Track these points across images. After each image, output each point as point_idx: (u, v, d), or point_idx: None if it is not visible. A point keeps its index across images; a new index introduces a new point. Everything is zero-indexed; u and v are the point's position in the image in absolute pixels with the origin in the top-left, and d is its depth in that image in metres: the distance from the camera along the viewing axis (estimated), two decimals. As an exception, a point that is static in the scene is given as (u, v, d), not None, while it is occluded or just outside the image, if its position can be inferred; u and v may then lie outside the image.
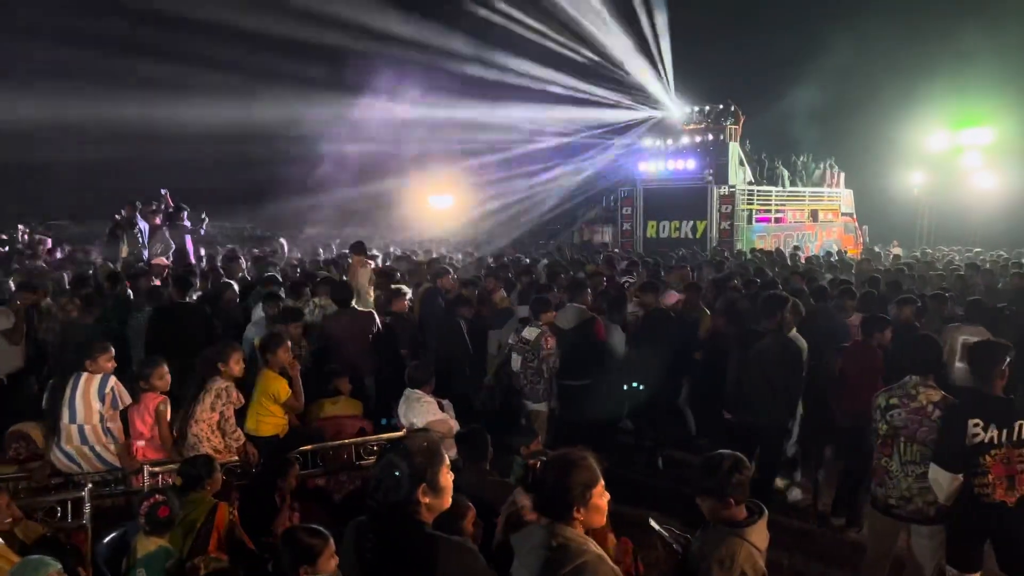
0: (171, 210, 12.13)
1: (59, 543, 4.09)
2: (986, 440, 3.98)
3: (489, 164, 25.92)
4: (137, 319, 7.63)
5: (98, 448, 5.12)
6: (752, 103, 23.22)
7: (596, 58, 23.47)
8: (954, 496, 4.05)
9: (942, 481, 4.05)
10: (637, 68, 23.48)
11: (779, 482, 6.69)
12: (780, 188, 22.72)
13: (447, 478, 2.65)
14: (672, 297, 8.07)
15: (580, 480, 2.66)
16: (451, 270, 9.66)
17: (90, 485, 4.69)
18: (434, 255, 13.79)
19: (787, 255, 15.54)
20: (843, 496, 6.23)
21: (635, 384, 7.37)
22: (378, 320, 7.61)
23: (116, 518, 4.56)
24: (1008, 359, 4.12)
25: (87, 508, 4.47)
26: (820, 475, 6.64)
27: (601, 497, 2.72)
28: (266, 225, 26.18)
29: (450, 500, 2.71)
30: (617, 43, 23.42)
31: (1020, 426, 3.97)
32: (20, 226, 16.65)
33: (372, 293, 9.15)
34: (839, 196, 24.46)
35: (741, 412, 6.23)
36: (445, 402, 6.08)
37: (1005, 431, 3.97)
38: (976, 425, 3.99)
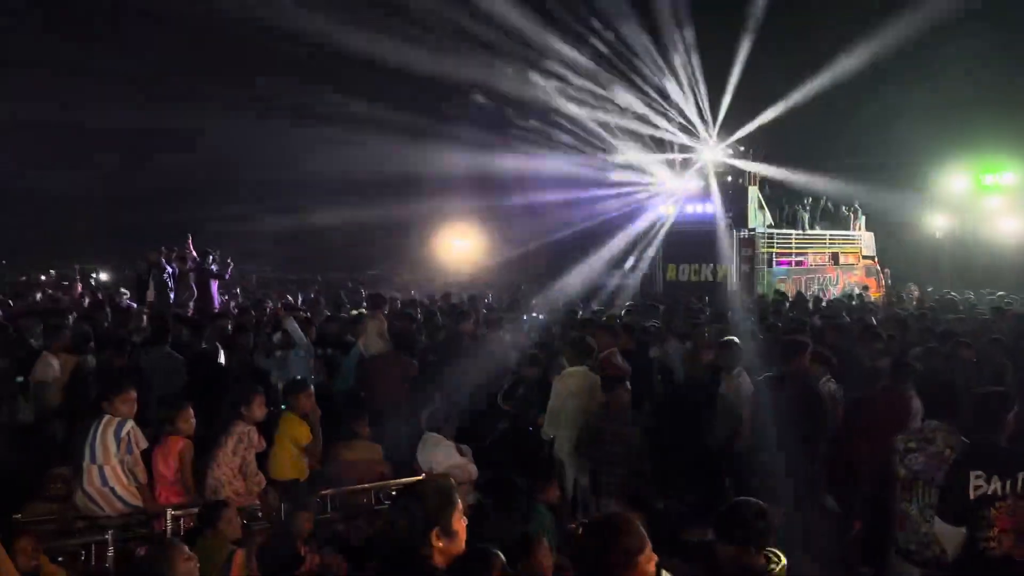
0: (195, 255, 12.38)
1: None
2: (989, 492, 3.85)
3: (509, 206, 26.12)
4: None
5: (118, 489, 5.17)
6: (771, 145, 23.35)
7: (619, 102, 23.61)
8: (959, 549, 3.99)
9: (947, 534, 3.97)
10: (659, 113, 23.64)
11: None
12: (800, 231, 22.70)
13: (460, 523, 2.68)
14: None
15: (625, 546, 2.56)
16: (472, 315, 9.74)
17: (112, 530, 4.76)
18: (454, 300, 13.89)
19: (808, 298, 15.45)
20: (872, 544, 6.12)
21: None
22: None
23: (137, 564, 4.60)
24: (1015, 409, 4.07)
25: (111, 552, 4.54)
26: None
27: (649, 562, 2.62)
28: (288, 267, 26.55)
29: (463, 545, 2.73)
30: (637, 89, 23.64)
31: None
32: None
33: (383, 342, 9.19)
34: (860, 238, 24.35)
35: (763, 456, 6.18)
36: (464, 447, 6.11)
37: (1009, 482, 3.84)
38: (979, 477, 3.87)
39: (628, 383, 6.51)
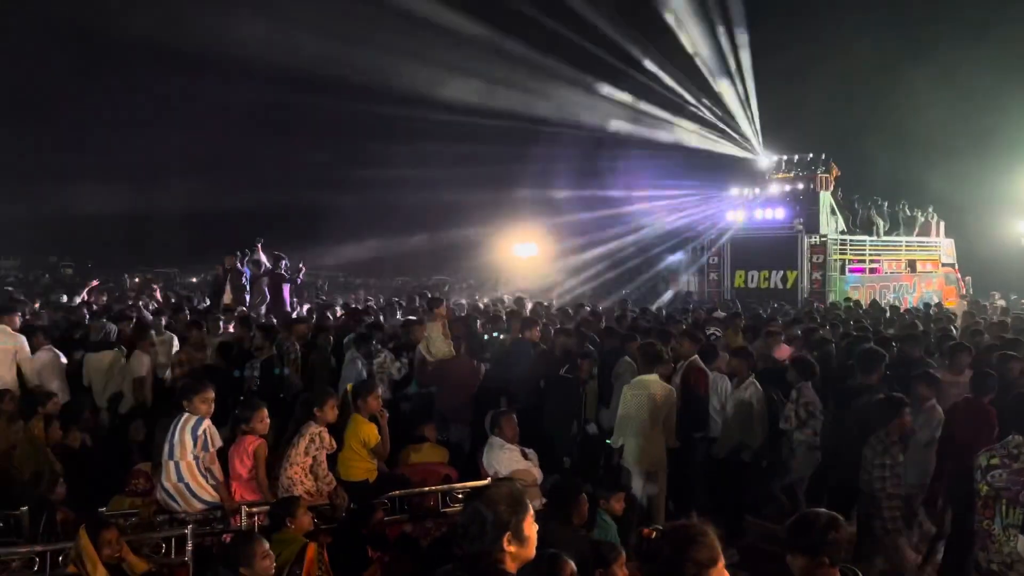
0: (266, 260, 12.71)
1: (162, 579, 4.31)
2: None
3: (573, 212, 26.05)
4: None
5: (193, 486, 5.31)
6: (845, 150, 22.75)
7: (683, 106, 23.37)
8: None
9: None
10: (723, 116, 23.31)
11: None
12: (875, 237, 22.03)
13: (532, 528, 2.68)
14: (784, 350, 8.04)
15: (699, 558, 2.51)
16: (539, 321, 9.74)
17: (191, 525, 4.92)
18: (521, 305, 13.91)
19: (884, 306, 14.97)
20: (952, 562, 5.89)
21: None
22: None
23: (217, 556, 4.75)
24: None
25: (189, 546, 4.69)
26: (915, 538, 6.32)
27: None
28: (351, 269, 27.04)
29: (534, 550, 2.73)
30: (703, 92, 23.37)
31: None
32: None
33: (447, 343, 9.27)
34: (939, 245, 23.49)
35: (837, 472, 6.02)
36: (529, 451, 6.12)
37: None
38: None
39: None
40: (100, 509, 5.33)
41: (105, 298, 15.08)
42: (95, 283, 15.26)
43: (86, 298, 14.15)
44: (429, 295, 13.28)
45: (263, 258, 12.82)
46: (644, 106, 23.86)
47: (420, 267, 27.73)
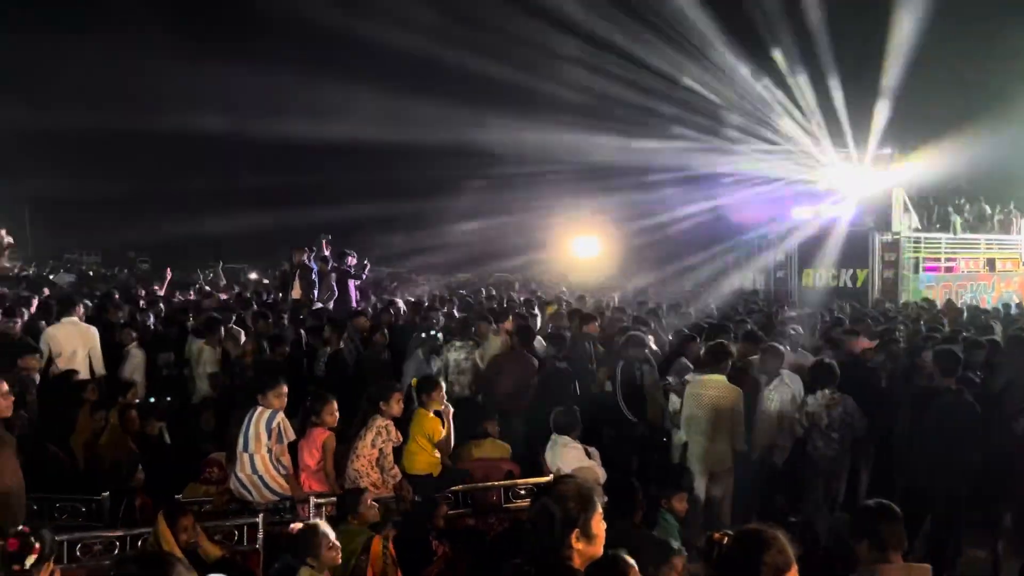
0: (330, 256, 12.95)
1: (235, 564, 4.43)
2: None
3: (634, 205, 25.76)
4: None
5: (266, 477, 5.49)
6: (921, 144, 21.89)
7: (754, 97, 22.71)
8: None
9: None
10: (796, 108, 22.54)
11: (979, 553, 6.17)
12: (951, 235, 21.22)
13: (600, 526, 2.68)
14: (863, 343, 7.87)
15: (772, 563, 2.48)
16: (598, 317, 9.68)
17: (262, 514, 5.06)
18: (582, 301, 13.86)
19: (960, 307, 14.43)
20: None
21: None
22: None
23: (285, 545, 4.88)
24: None
25: (260, 534, 4.82)
26: (999, 545, 6.08)
27: None
28: (415, 267, 27.32)
29: (602, 548, 2.73)
30: (773, 84, 22.68)
31: None
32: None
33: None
34: (1020, 243, 22.53)
35: (913, 477, 5.84)
36: (592, 449, 6.10)
37: None
38: None
39: None
40: (176, 496, 5.52)
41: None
42: (169, 275, 15.80)
43: (162, 292, 14.66)
44: (493, 291, 13.38)
45: (329, 254, 13.06)
46: (712, 94, 23.22)
47: (483, 263, 27.82)
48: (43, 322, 8.65)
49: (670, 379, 7.47)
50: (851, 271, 20.36)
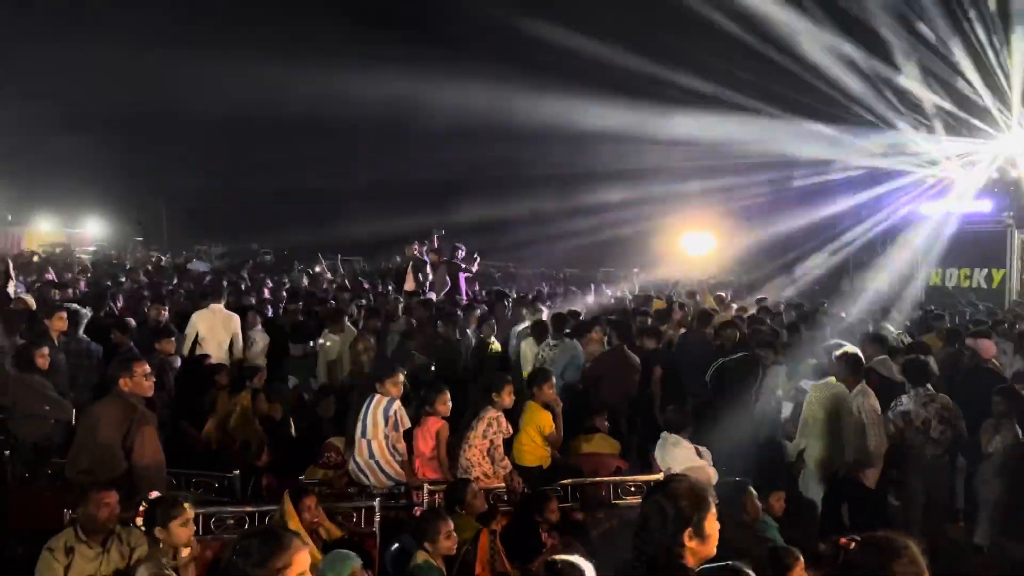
0: (442, 248, 13.25)
1: (353, 545, 4.62)
2: None
3: (752, 199, 24.87)
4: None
5: (382, 463, 5.71)
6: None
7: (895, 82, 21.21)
8: None
9: None
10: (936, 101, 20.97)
11: None
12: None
13: (713, 525, 2.66)
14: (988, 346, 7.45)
15: (903, 572, 2.42)
16: (713, 315, 9.51)
17: (379, 498, 5.26)
18: (692, 298, 13.63)
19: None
20: None
21: None
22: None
23: (399, 528, 5.06)
24: None
25: (377, 517, 5.01)
26: None
27: None
28: (521, 260, 27.49)
29: (715, 548, 2.70)
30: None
31: None
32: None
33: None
34: None
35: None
36: (703, 449, 6.00)
37: None
38: None
39: None
40: (299, 477, 5.81)
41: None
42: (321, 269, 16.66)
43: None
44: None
45: (442, 247, 13.37)
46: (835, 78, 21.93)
47: (588, 258, 27.68)
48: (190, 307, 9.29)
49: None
50: (986, 271, 19.10)
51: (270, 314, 10.26)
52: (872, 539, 2.52)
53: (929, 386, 6.43)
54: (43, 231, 37.28)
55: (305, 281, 15.84)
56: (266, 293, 12.77)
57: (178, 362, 7.47)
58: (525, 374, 7.78)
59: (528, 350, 8.46)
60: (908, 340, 9.06)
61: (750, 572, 2.73)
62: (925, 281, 20.12)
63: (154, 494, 4.32)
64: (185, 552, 4.05)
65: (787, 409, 6.82)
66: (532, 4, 23.98)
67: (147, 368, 5.05)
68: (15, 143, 32.21)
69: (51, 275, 11.44)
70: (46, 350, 6.18)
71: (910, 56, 19.82)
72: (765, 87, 21.78)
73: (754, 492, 4.66)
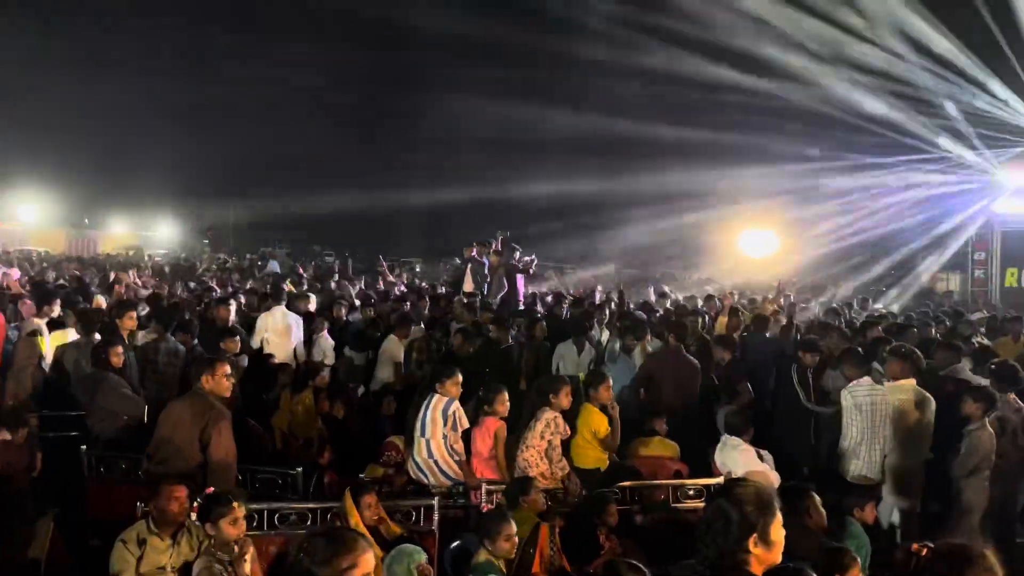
0: (502, 251, 13.24)
1: (413, 543, 4.68)
2: None
3: (815, 195, 24.18)
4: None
5: (441, 462, 5.77)
6: None
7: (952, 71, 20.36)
8: None
9: None
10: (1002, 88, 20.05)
11: None
12: None
13: (779, 532, 2.60)
14: None
15: None
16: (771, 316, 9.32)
17: (438, 497, 5.30)
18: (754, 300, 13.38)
19: None
20: None
21: None
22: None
23: (458, 527, 5.09)
24: None
25: (436, 515, 5.05)
26: None
27: None
28: (576, 261, 27.35)
29: (780, 556, 2.64)
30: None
31: None
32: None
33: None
34: None
35: None
36: (764, 452, 5.88)
37: None
38: None
39: None
40: (360, 475, 5.90)
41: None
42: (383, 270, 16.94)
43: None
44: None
45: (501, 249, 13.37)
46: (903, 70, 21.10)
47: (648, 258, 27.41)
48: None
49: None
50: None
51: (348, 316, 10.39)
52: (947, 546, 2.44)
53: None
54: (117, 234, 38.77)
55: (380, 284, 16.05)
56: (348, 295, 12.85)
57: (245, 361, 7.66)
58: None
59: (567, 354, 8.42)
60: (983, 343, 8.76)
61: (812, 574, 2.68)
62: (1000, 283, 19.38)
63: (209, 490, 4.45)
64: (246, 553, 4.17)
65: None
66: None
67: (228, 369, 5.22)
68: (93, 150, 33.66)
69: (122, 287, 11.89)
70: (120, 348, 6.41)
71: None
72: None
73: (817, 498, 4.54)
